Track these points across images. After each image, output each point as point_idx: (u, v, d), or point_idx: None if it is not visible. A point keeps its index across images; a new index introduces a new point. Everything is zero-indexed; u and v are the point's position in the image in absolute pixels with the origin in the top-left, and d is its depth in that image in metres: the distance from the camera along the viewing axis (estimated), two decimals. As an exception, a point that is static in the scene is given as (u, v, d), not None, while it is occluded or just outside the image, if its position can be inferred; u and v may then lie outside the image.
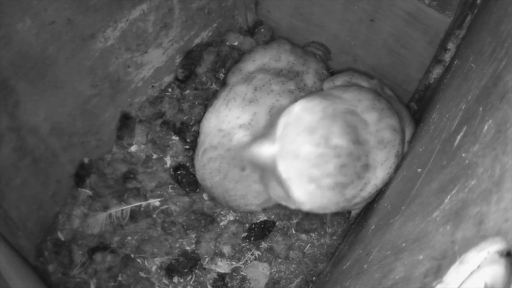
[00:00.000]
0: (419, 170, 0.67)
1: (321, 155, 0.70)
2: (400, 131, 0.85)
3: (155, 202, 1.07)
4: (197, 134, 1.03)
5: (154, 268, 1.01)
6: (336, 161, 0.71)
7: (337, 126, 0.71)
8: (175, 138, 1.14)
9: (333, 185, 0.72)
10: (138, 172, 1.09)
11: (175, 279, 1.00)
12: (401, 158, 0.88)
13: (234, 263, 1.03)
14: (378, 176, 0.80)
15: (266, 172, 0.77)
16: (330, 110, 0.73)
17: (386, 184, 0.88)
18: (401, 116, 0.89)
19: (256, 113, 0.91)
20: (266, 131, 0.79)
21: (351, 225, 1.05)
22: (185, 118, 1.15)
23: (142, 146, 1.13)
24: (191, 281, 1.01)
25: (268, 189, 0.82)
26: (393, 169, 0.82)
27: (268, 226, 1.04)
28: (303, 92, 0.96)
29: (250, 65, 1.01)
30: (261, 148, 0.73)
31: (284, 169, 0.70)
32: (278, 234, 1.04)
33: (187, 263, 1.01)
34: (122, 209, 1.03)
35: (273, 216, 1.07)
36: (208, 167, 0.95)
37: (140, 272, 1.00)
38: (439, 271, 0.39)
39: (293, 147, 0.70)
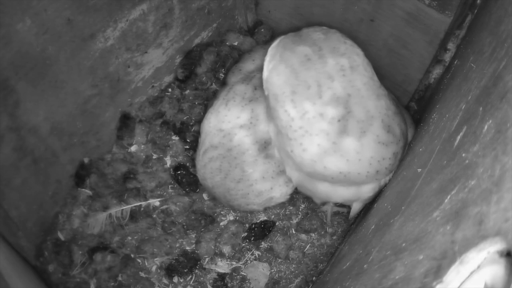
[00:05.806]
0: (419, 170, 0.67)
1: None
2: (405, 134, 0.86)
3: (155, 202, 1.07)
4: (197, 134, 1.03)
5: (154, 268, 1.01)
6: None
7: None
8: (175, 138, 1.14)
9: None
10: (138, 172, 1.09)
11: (175, 279, 1.00)
12: (401, 159, 0.88)
13: (234, 263, 1.03)
14: (363, 143, 0.80)
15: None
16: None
17: (386, 184, 0.88)
18: (404, 117, 0.89)
19: (256, 111, 0.91)
20: None
21: (351, 225, 1.05)
22: (185, 118, 1.15)
23: (142, 146, 1.13)
24: (191, 281, 1.01)
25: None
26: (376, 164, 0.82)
27: (268, 226, 1.04)
28: None
29: (249, 64, 1.01)
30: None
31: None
32: (278, 234, 1.04)
33: (187, 263, 1.01)
34: (122, 209, 1.03)
35: (273, 216, 1.07)
36: (209, 166, 0.95)
37: (140, 272, 1.00)
38: (439, 271, 0.39)
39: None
